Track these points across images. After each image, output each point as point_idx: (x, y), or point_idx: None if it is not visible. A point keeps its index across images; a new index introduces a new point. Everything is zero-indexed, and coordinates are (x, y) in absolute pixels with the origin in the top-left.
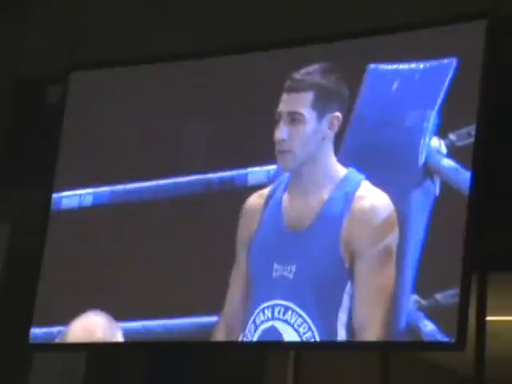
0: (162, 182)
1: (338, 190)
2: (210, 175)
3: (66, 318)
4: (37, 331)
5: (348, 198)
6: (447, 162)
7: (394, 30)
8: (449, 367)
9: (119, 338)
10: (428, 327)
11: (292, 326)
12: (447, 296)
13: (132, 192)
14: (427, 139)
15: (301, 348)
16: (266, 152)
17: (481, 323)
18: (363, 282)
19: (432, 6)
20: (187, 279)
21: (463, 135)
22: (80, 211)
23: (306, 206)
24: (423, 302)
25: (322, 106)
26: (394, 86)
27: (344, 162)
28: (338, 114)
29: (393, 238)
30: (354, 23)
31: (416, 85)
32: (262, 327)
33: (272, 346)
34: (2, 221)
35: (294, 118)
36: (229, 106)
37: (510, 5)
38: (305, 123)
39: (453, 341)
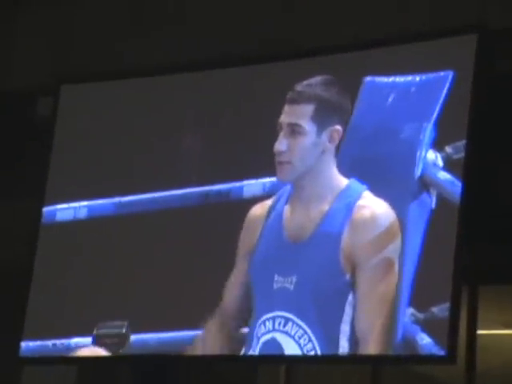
0: (157, 194)
1: (339, 200)
2: (206, 187)
3: (60, 331)
4: (30, 344)
5: (349, 208)
6: (443, 175)
7: (390, 43)
8: (440, 380)
9: None
10: (425, 340)
11: (293, 338)
12: (443, 309)
13: (127, 205)
14: (423, 152)
15: (292, 362)
16: (262, 165)
17: (472, 336)
18: (365, 292)
19: (428, 19)
20: (183, 292)
21: (459, 148)
22: (74, 224)
23: (306, 217)
24: (419, 315)
25: (322, 119)
26: (390, 98)
27: (341, 173)
28: (338, 127)
29: (395, 247)
30: (352, 36)
31: (412, 97)
32: (263, 339)
33: (261, 360)
34: None
35: (294, 130)
36: (225, 119)
37: (501, 17)
38: (304, 135)
39: (444, 354)
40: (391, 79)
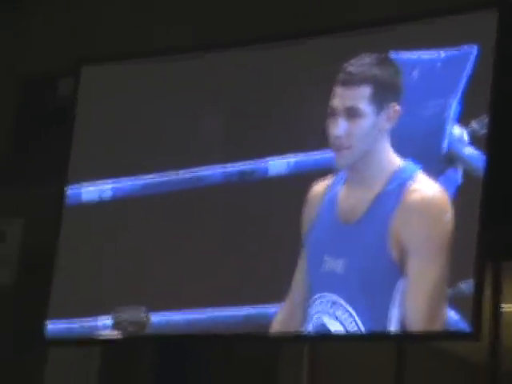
0: (181, 174)
1: (392, 182)
2: (230, 166)
3: (87, 311)
4: (57, 325)
5: (400, 190)
6: (469, 151)
7: (414, 18)
8: (464, 355)
9: None
10: (452, 316)
11: (340, 322)
12: (469, 285)
13: (151, 185)
14: (449, 127)
15: (316, 339)
16: (286, 142)
17: (496, 312)
18: (417, 277)
19: None
20: (203, 271)
21: (485, 123)
22: (99, 204)
23: (359, 199)
24: (447, 290)
25: (380, 99)
26: (415, 73)
27: None
28: (395, 105)
29: (445, 229)
30: (375, 12)
31: (437, 73)
32: (313, 320)
33: (287, 339)
34: (16, 215)
35: (351, 113)
36: (248, 97)
37: None
38: (363, 118)
39: (469, 330)
40: (416, 55)
